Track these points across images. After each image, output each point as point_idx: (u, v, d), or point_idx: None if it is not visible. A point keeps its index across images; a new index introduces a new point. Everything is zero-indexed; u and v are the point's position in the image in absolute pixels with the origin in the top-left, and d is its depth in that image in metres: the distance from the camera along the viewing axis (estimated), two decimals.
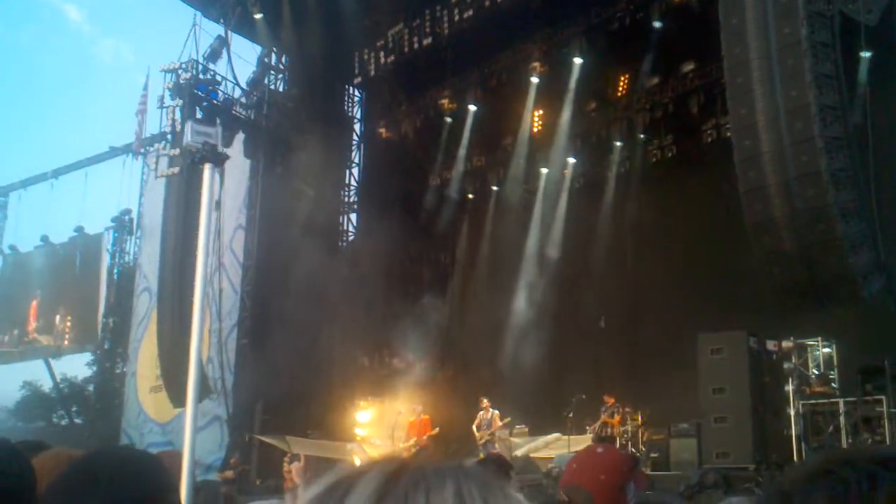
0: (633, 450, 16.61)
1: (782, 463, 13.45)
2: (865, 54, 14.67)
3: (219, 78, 21.73)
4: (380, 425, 20.03)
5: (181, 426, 23.17)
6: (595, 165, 21.88)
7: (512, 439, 17.79)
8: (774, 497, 0.94)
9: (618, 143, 21.30)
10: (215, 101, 21.57)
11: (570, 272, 20.70)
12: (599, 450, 2.97)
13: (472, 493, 0.71)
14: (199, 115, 21.14)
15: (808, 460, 0.94)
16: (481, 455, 17.61)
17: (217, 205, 22.65)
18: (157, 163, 24.55)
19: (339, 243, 24.62)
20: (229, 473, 18.68)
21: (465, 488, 0.71)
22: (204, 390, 20.27)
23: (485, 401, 18.12)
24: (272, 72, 23.57)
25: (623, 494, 2.77)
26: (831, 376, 14.72)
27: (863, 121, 13.56)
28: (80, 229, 30.09)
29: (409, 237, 23.19)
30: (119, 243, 28.72)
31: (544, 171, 22.69)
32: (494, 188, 23.55)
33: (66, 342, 29.78)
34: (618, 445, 16.16)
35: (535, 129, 22.73)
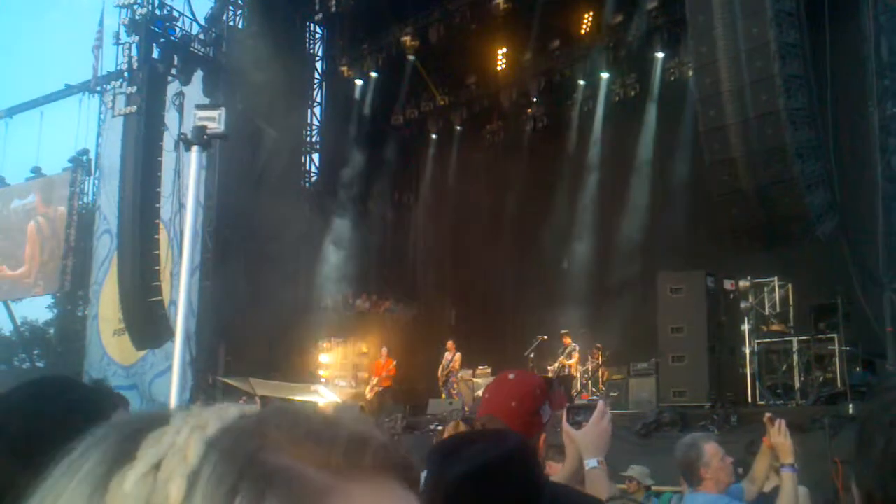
0: (594, 389, 16.82)
1: (737, 401, 13.68)
2: None
3: (176, 14, 21.21)
4: (343, 366, 20.11)
5: (145, 369, 23.32)
6: (558, 104, 21.72)
7: (475, 380, 17.92)
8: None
9: (581, 82, 21.15)
10: (172, 38, 21.09)
11: (533, 213, 20.67)
12: (511, 376, 2.90)
13: None
14: (155, 52, 20.69)
15: None
16: (443, 395, 17.80)
17: (176, 144, 22.43)
18: (113, 101, 24.03)
19: (302, 183, 24.38)
20: None
21: None
22: (166, 333, 20.22)
23: (450, 343, 18.32)
24: (231, 7, 22.99)
25: (538, 418, 2.72)
26: (786, 315, 14.90)
27: (823, 60, 13.51)
28: (37, 170, 29.53)
29: (372, 177, 22.98)
30: (77, 184, 28.21)
31: (507, 110, 22.51)
32: (458, 128, 23.35)
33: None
34: (578, 385, 16.36)
35: (499, 68, 22.48)
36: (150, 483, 0.50)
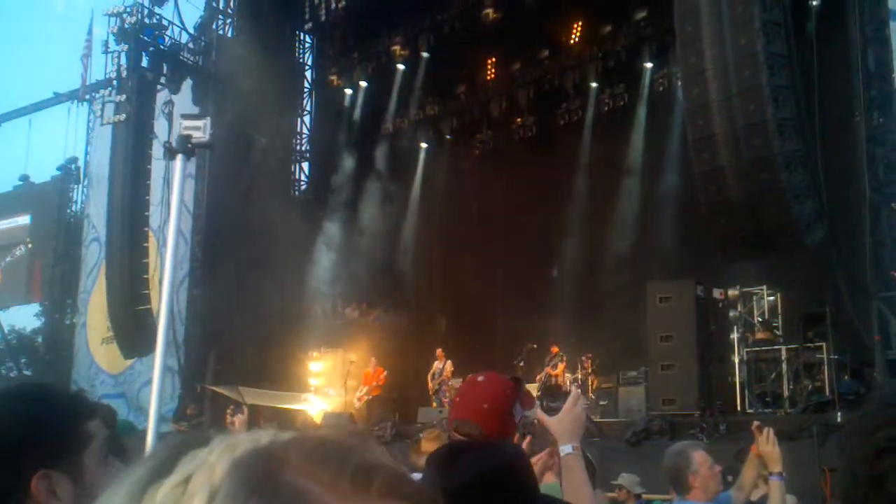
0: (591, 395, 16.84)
1: (726, 409, 13.73)
2: (814, 2, 14.71)
3: (165, 22, 21.21)
4: (333, 375, 20.05)
5: (133, 377, 23.21)
6: (547, 114, 21.76)
7: None
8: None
9: (570, 92, 21.20)
10: (162, 47, 21.08)
11: (522, 222, 20.69)
12: (480, 378, 2.91)
13: None
14: (144, 61, 20.66)
15: None
16: (434, 404, 17.78)
17: (165, 152, 22.33)
18: (102, 109, 24.02)
19: (292, 192, 24.37)
20: (183, 426, 18.57)
21: None
22: (155, 341, 20.12)
23: (440, 351, 18.33)
24: (220, 16, 22.99)
25: (510, 418, 2.75)
26: (775, 324, 14.96)
27: (810, 70, 13.60)
28: (25, 178, 29.42)
29: (362, 185, 22.96)
30: (66, 192, 28.11)
31: (497, 119, 22.54)
32: (448, 136, 23.37)
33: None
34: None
35: (489, 78, 22.54)
36: (178, 494, 0.57)
